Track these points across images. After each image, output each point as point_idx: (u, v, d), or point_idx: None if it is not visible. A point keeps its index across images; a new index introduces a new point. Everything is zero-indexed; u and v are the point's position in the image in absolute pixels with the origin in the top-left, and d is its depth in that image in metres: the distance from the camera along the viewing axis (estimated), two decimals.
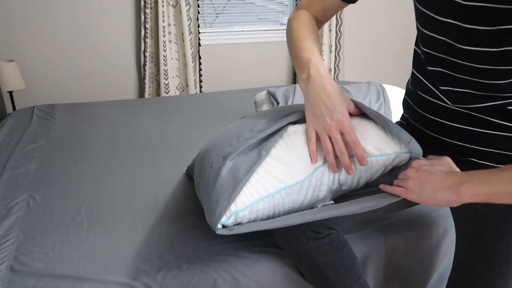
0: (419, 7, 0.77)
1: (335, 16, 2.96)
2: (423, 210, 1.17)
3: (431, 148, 0.85)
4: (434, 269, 1.15)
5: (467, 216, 0.82)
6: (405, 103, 0.97)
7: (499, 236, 0.77)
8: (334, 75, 3.11)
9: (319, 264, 0.93)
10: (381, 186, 0.81)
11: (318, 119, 0.80)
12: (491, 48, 0.66)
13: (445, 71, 0.77)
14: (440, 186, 0.70)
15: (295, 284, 1.01)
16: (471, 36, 0.68)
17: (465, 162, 0.79)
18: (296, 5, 2.96)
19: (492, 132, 0.74)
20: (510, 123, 0.72)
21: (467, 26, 0.68)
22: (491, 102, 0.72)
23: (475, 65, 0.70)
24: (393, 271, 1.12)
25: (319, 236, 0.92)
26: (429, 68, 0.81)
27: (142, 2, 2.55)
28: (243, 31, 2.94)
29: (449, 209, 1.16)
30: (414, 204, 0.98)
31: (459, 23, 0.69)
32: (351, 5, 0.83)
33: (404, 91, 1.98)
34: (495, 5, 0.63)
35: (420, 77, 0.85)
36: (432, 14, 0.73)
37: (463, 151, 0.79)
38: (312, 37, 0.88)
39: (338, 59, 3.07)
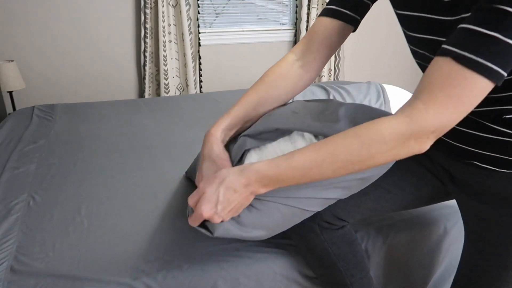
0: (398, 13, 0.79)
1: None
2: (423, 210, 1.17)
3: (438, 149, 0.86)
4: (435, 269, 1.14)
5: (471, 216, 0.82)
6: None
7: (499, 239, 0.77)
8: (334, 75, 3.11)
9: (332, 256, 0.94)
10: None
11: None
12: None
13: None
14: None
15: (296, 284, 1.01)
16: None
17: (470, 165, 0.79)
18: (296, 6, 2.96)
19: (492, 136, 0.74)
20: (508, 129, 0.72)
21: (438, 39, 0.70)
22: (484, 107, 0.73)
23: None
24: (394, 270, 1.12)
25: (333, 228, 0.94)
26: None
27: (142, 2, 2.55)
28: (243, 31, 2.94)
29: (451, 208, 1.16)
30: (421, 205, 0.98)
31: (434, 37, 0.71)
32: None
33: (403, 91, 1.98)
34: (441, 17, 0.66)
35: None
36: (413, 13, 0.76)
37: (467, 154, 0.79)
38: (260, 87, 0.90)
39: (338, 59, 3.07)
